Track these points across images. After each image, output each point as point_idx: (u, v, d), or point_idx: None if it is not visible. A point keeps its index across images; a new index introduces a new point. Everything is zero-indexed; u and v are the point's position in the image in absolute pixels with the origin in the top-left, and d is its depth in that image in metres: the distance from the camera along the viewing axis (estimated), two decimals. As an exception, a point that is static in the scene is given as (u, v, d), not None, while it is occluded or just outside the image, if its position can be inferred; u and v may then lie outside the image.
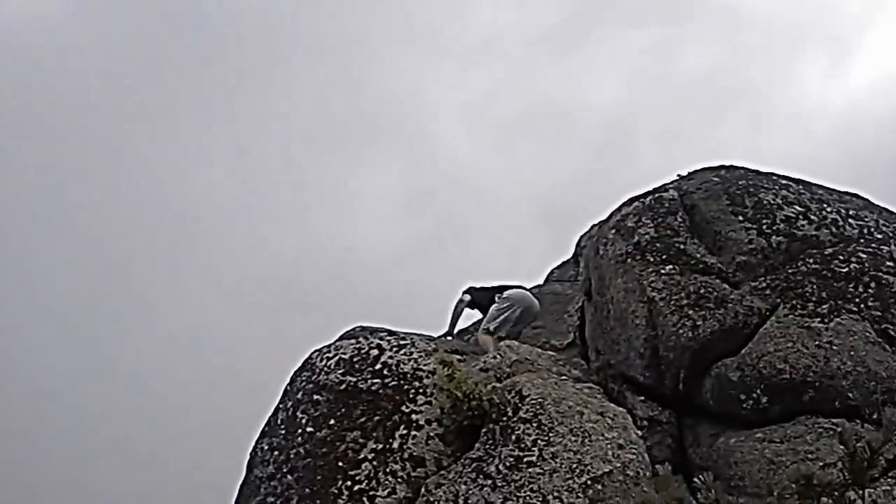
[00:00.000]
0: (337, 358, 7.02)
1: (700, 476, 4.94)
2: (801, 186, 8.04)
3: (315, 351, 7.38)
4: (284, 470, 6.46)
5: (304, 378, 7.13)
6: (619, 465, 5.56)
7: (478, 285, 9.17)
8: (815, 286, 6.75)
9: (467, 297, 9.01)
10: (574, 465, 5.53)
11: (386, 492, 5.97)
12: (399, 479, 6.03)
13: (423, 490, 5.89)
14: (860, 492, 4.47)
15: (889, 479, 5.32)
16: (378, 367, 6.85)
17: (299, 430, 6.66)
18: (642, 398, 6.95)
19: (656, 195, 8.13)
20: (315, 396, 6.82)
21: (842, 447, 4.60)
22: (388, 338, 7.32)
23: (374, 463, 6.16)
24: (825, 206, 7.67)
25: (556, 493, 5.40)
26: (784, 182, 8.04)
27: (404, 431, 6.29)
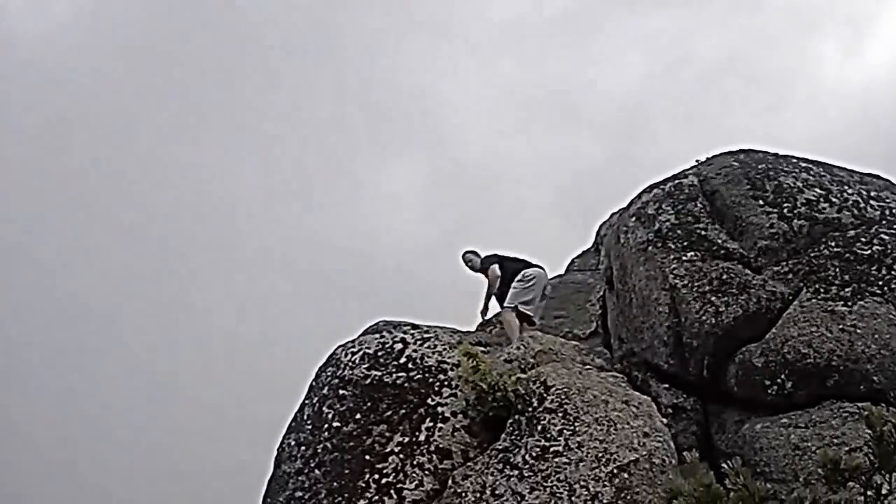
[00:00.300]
0: (361, 353, 7.07)
1: (728, 462, 4.95)
2: (821, 169, 8.00)
3: (339, 346, 7.43)
4: (312, 465, 6.51)
5: (328, 373, 7.17)
6: (644, 453, 5.56)
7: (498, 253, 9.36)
8: (837, 269, 6.74)
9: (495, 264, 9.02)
10: (600, 454, 5.54)
11: (413, 484, 6.01)
12: (426, 472, 6.07)
13: (450, 482, 5.92)
14: (887, 476, 4.47)
15: None
16: (402, 360, 6.90)
17: (326, 425, 6.70)
18: (667, 386, 6.95)
19: (676, 181, 8.11)
20: (340, 391, 6.86)
21: (868, 431, 4.60)
22: (412, 331, 7.35)
23: (401, 456, 6.19)
24: (846, 187, 7.62)
25: (582, 482, 5.41)
26: (804, 165, 7.99)
27: (430, 424, 6.33)
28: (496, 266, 8.95)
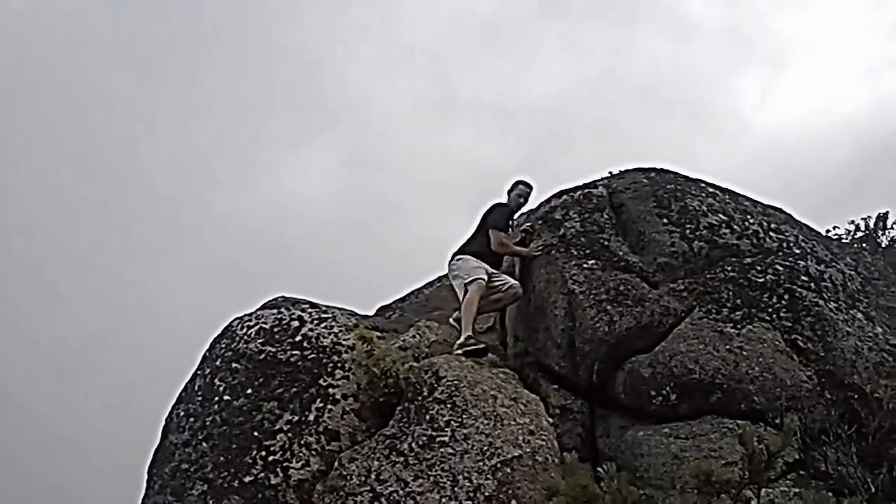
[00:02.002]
0: (257, 327, 6.99)
1: (604, 465, 5.09)
2: (727, 196, 8.21)
3: (236, 319, 7.32)
4: (200, 437, 6.43)
5: (223, 345, 7.07)
6: (528, 450, 5.69)
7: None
8: (731, 293, 6.94)
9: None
10: (485, 448, 5.63)
11: (300, 464, 6.00)
12: (313, 452, 6.07)
13: (336, 464, 5.93)
14: (757, 490, 4.67)
15: (788, 481, 5.57)
16: (298, 338, 6.85)
17: (216, 398, 6.62)
18: (556, 387, 7.02)
19: (586, 190, 8.20)
20: (233, 364, 6.78)
21: (742, 447, 4.80)
22: (310, 310, 7.28)
23: (290, 434, 6.17)
24: (749, 217, 7.85)
25: (465, 474, 5.49)
26: (711, 190, 8.19)
27: (321, 405, 6.30)
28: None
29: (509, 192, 8.33)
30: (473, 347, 6.83)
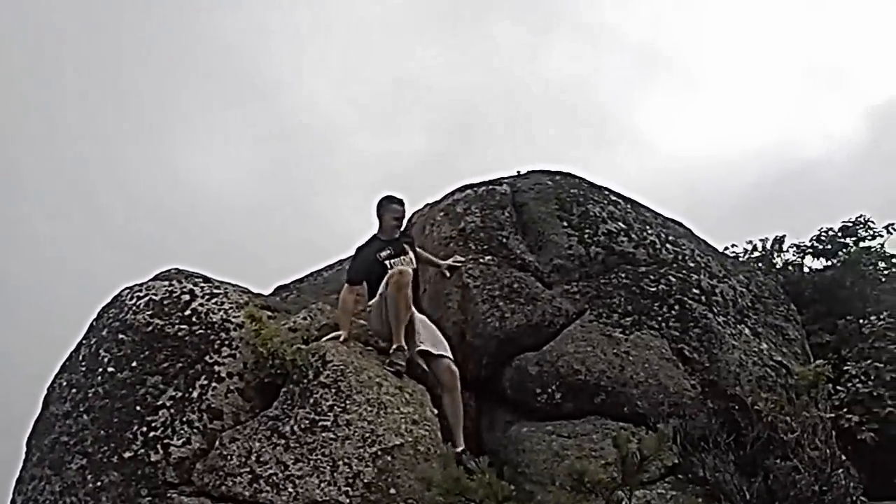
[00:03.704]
0: (147, 298, 6.77)
1: (475, 460, 5.15)
2: (629, 205, 8.41)
3: (126, 288, 7.09)
4: (81, 409, 6.23)
5: (111, 315, 6.85)
6: (411, 439, 5.70)
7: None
8: (622, 299, 7.13)
9: None
10: (367, 435, 5.62)
11: (181, 441, 5.86)
12: (195, 430, 5.93)
13: (217, 443, 5.82)
14: (629, 492, 4.79)
15: (666, 484, 5.74)
16: (188, 312, 6.66)
17: (100, 369, 6.40)
18: (444, 378, 7.03)
19: (490, 187, 8.28)
20: (120, 336, 6.55)
21: (616, 449, 4.93)
22: (203, 284, 7.09)
23: (172, 411, 6.02)
24: (647, 227, 8.07)
25: (346, 460, 5.48)
26: (614, 198, 8.38)
27: (205, 382, 6.17)
28: None
29: (380, 214, 7.07)
30: (397, 367, 6.31)
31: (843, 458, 6.45)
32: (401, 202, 7.14)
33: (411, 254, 7.10)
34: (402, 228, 7.29)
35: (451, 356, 6.50)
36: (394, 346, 6.38)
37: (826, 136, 46.14)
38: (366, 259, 6.95)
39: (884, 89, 49.52)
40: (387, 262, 6.83)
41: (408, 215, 7.46)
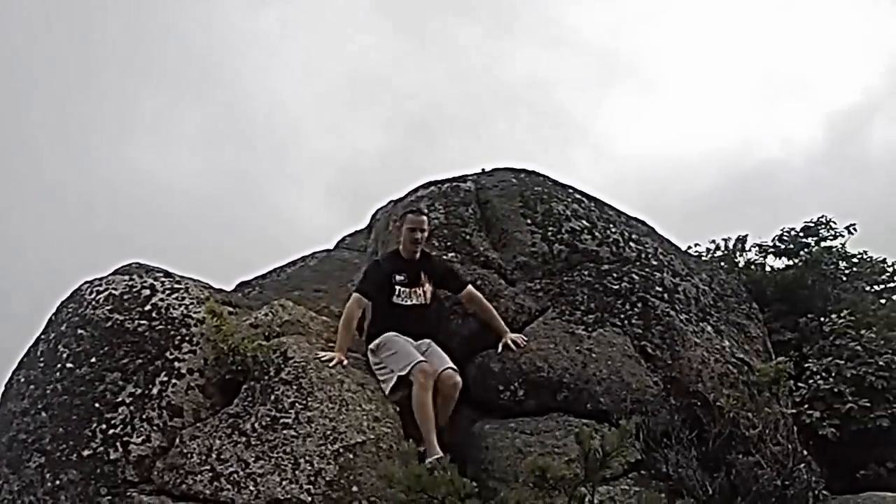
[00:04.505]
0: (107, 293, 6.70)
1: (436, 458, 5.13)
2: (592, 204, 8.44)
3: (86, 282, 7.02)
4: (39, 406, 6.16)
5: (70, 310, 6.78)
6: (373, 436, 5.69)
7: None
8: (585, 296, 7.15)
9: None
10: (328, 432, 5.60)
11: (140, 439, 5.81)
12: (155, 427, 5.88)
13: (177, 440, 5.78)
14: (592, 488, 4.81)
15: (629, 479, 5.78)
16: (148, 308, 6.60)
17: (59, 365, 6.34)
18: (406, 375, 6.99)
19: (454, 184, 8.28)
20: (79, 331, 6.49)
21: (579, 446, 4.94)
22: (163, 279, 7.02)
23: (132, 408, 5.96)
24: (611, 226, 8.11)
25: (307, 458, 5.45)
26: (578, 196, 8.41)
27: (165, 378, 6.11)
28: None
29: (399, 227, 6.63)
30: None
31: (805, 453, 6.55)
32: (422, 214, 6.66)
33: (427, 286, 6.58)
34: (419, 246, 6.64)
35: (454, 367, 6.35)
36: (429, 460, 5.68)
37: (784, 139, 46.91)
38: (381, 273, 6.55)
39: (841, 97, 50.68)
40: (397, 288, 6.47)
41: (426, 232, 6.74)
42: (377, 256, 6.74)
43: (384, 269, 6.55)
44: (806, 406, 8.59)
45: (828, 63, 51.61)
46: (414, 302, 6.48)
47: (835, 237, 13.19)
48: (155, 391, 6.05)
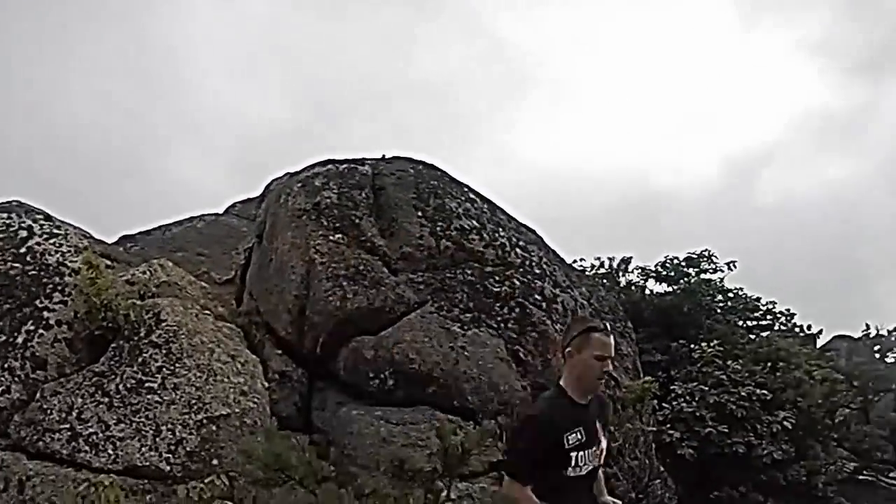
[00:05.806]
0: (-19, 231, 6.42)
1: (295, 437, 5.14)
2: (486, 205, 8.53)
3: (-36, 214, 6.67)
4: None
5: (-59, 246, 6.45)
6: (238, 410, 5.68)
7: None
8: (465, 295, 7.25)
9: None
10: (193, 401, 5.56)
11: (0, 389, 5.64)
12: (16, 378, 5.71)
13: (38, 395, 5.62)
14: (449, 482, 4.93)
15: (488, 479, 5.88)
16: (23, 250, 6.38)
17: (-78, 306, 6.03)
18: (280, 352, 6.99)
19: (352, 165, 8.20)
20: (-53, 269, 6.20)
21: (439, 441, 5.07)
22: (43, 222, 6.78)
23: (-6, 355, 5.70)
24: (500, 229, 8.22)
25: (170, 425, 5.40)
26: (472, 196, 8.48)
27: (32, 328, 5.92)
28: None
29: (578, 347, 3.43)
30: None
31: (662, 469, 6.77)
32: (611, 334, 3.60)
33: (604, 440, 3.68)
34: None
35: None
36: None
37: (681, 171, 48.73)
38: (550, 440, 3.41)
39: (741, 140, 52.44)
40: (573, 456, 3.44)
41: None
42: (542, 407, 3.51)
43: (547, 431, 3.45)
44: (668, 426, 9.01)
45: (735, 107, 53.89)
46: (592, 467, 3.67)
47: (715, 271, 13.97)
48: (20, 340, 5.86)
